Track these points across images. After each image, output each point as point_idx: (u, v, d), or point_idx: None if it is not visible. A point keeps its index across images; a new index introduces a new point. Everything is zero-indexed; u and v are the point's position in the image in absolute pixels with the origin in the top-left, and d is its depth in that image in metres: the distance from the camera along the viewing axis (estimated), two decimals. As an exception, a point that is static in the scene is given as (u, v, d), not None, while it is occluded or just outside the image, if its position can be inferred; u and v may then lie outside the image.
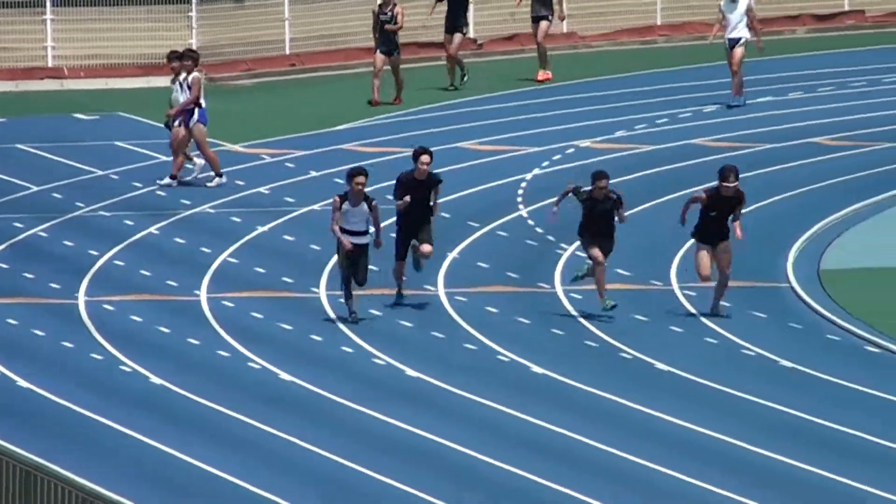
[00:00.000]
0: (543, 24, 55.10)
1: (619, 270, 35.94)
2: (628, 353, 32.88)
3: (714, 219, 31.58)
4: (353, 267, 30.79)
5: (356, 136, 49.73)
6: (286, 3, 59.04)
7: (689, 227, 32.52)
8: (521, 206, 43.17)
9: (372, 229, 30.85)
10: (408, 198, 31.25)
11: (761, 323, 35.94)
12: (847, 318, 35.60)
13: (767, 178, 45.16)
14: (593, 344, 33.11)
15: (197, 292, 34.54)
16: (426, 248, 31.41)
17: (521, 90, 57.08)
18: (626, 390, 30.69)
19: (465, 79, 53.72)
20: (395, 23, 51.11)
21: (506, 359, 30.71)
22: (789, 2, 67.19)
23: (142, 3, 59.81)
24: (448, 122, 52.04)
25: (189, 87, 42.94)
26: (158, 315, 32.09)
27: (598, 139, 49.44)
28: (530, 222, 41.38)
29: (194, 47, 54.86)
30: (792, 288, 37.97)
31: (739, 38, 49.77)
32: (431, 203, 31.85)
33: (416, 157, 31.78)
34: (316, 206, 42.86)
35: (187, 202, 41.90)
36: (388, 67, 52.71)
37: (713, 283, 32.14)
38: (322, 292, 35.80)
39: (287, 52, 59.33)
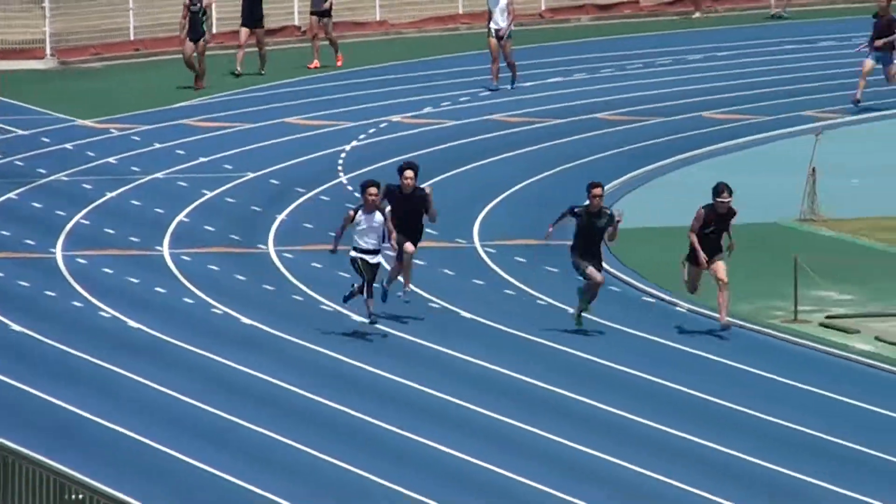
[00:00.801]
0: (325, 19, 56.92)
1: (430, 230, 35.96)
2: (436, 303, 33.30)
3: (711, 235, 30.02)
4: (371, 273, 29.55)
5: (193, 112, 50.10)
6: (131, -7, 59.87)
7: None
8: (341, 174, 43.38)
9: (384, 244, 29.52)
10: (398, 237, 29.82)
11: (555, 276, 36.00)
12: (622, 270, 35.88)
13: (557, 149, 45.70)
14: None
15: (53, 250, 34.63)
16: (409, 246, 29.95)
17: (337, 72, 58.03)
18: (431, 335, 30.97)
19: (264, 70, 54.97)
20: (205, 14, 51.91)
21: (329, 308, 31.05)
22: (575, -8, 69.33)
23: (-3, -8, 60.27)
24: (273, 101, 52.79)
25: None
26: (19, 270, 32.24)
27: (408, 115, 49.88)
28: (349, 188, 41.61)
29: (47, 34, 55.94)
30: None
31: (500, 29, 50.70)
32: (427, 212, 30.64)
33: (400, 172, 30.75)
34: (160, 174, 42.75)
35: (43, 171, 41.95)
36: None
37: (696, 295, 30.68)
38: (165, 250, 35.79)
39: (132, 38, 59.55)
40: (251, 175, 43.78)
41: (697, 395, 29.14)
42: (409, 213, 29.91)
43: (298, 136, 48.77)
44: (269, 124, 49.54)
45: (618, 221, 29.33)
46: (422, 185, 30.58)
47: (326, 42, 55.71)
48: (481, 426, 25.35)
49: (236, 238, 37.53)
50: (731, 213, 29.91)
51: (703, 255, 29.07)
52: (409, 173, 30.02)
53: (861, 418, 28.69)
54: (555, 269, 36.72)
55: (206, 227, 35.09)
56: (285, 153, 45.17)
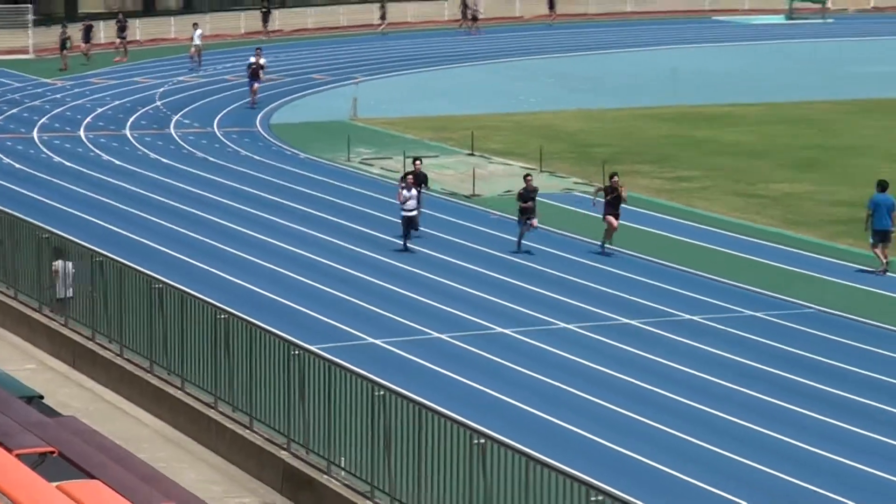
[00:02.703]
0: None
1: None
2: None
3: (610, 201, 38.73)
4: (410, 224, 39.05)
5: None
6: None
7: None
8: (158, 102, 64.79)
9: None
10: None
11: (248, 153, 53.43)
12: (287, 145, 54.34)
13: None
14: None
15: None
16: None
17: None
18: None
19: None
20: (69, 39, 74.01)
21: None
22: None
23: None
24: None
25: None
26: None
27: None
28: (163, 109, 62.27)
29: None
30: (260, 132, 57.46)
31: None
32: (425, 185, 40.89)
33: (413, 162, 42.28)
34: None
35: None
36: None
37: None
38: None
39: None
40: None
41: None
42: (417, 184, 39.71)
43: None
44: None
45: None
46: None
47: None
48: None
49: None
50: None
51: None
52: (417, 163, 41.60)
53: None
54: (247, 150, 55.00)
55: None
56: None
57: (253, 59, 61.68)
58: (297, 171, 50.76)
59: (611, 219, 38.06)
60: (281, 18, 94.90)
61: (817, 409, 27.83)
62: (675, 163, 51.62)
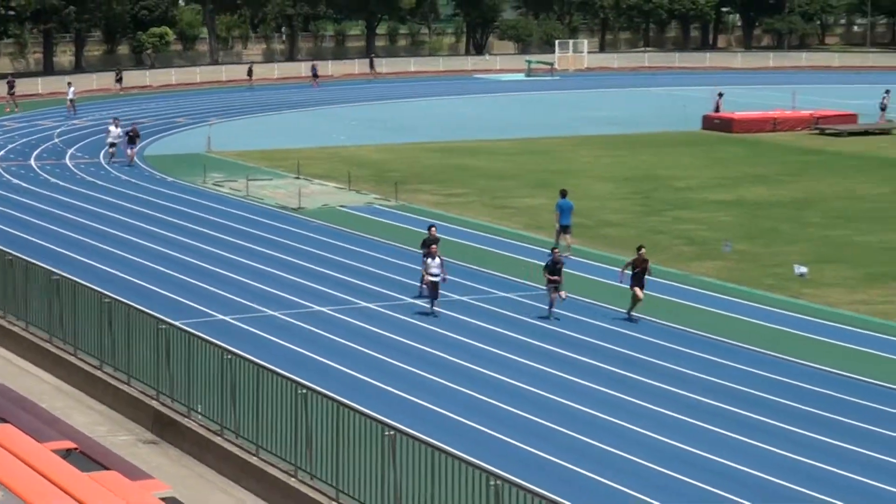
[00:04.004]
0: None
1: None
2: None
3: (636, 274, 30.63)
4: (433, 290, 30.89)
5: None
6: None
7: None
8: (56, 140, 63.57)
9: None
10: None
11: (128, 177, 53.13)
12: (157, 171, 53.89)
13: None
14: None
15: None
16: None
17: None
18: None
19: None
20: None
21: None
22: None
23: None
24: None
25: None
26: None
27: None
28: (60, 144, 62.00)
29: None
30: (136, 162, 55.97)
31: None
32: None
33: (429, 229, 33.32)
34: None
35: None
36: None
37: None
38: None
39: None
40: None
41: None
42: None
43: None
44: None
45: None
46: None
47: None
48: None
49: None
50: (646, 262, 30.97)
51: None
52: (433, 229, 33.15)
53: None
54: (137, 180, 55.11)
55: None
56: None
57: (130, 128, 57.45)
58: (163, 190, 50.42)
59: (637, 290, 30.82)
60: (150, 76, 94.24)
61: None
62: (448, 183, 51.80)
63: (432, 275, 30.69)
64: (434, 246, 30.82)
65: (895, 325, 31.46)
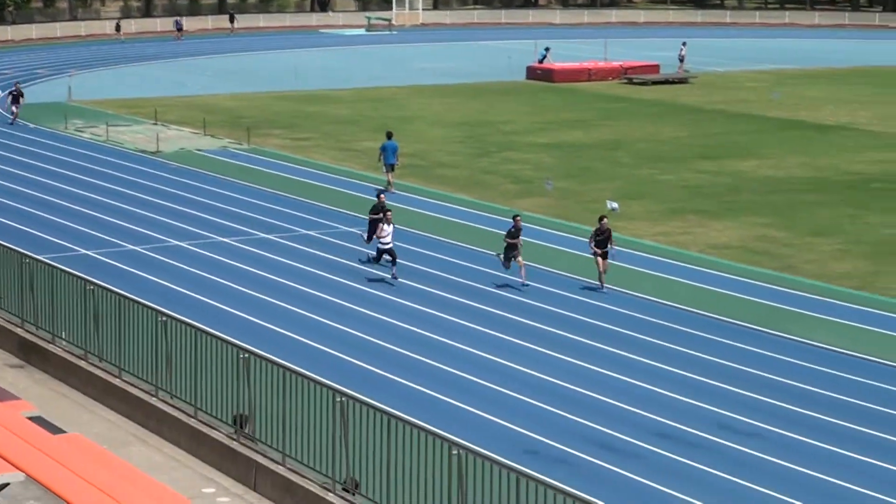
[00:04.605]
0: None
1: None
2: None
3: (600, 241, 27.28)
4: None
5: None
6: None
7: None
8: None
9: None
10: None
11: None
12: (22, 119, 50.60)
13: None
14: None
15: None
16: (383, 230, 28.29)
17: None
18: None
19: None
20: None
21: None
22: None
23: None
24: None
25: None
26: None
27: None
28: None
29: None
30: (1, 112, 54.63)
31: None
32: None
33: (378, 195, 30.79)
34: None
35: None
36: None
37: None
38: None
39: None
40: None
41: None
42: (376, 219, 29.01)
43: None
44: None
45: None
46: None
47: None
48: None
49: None
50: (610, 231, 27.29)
51: None
52: (382, 197, 30.40)
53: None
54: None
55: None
56: None
57: (14, 87, 52.73)
58: (26, 136, 48.73)
59: (600, 260, 27.82)
60: (12, 31, 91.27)
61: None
62: (296, 129, 51.15)
63: (384, 242, 28.05)
64: (389, 213, 28.22)
65: (690, 253, 31.95)
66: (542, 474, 14.56)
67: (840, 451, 19.23)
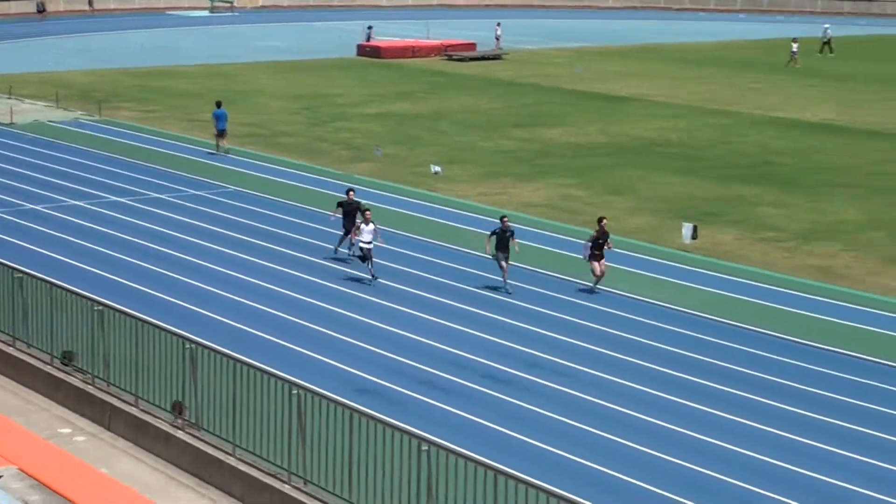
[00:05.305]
0: None
1: None
2: None
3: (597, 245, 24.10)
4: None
5: None
6: None
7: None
8: None
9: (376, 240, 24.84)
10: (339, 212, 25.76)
11: None
12: None
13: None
14: None
15: None
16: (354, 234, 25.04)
17: None
18: None
19: None
20: None
21: None
22: None
23: None
24: None
25: None
26: None
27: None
28: None
29: None
30: None
31: None
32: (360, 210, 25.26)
33: (347, 192, 26.45)
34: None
35: None
36: None
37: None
38: None
39: None
40: None
41: None
42: (351, 213, 25.75)
43: None
44: None
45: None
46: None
47: None
48: None
49: None
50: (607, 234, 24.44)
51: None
52: (351, 194, 26.26)
53: None
54: None
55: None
56: None
57: None
58: None
59: (595, 263, 24.56)
60: None
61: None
62: (145, 101, 49.69)
63: (365, 241, 24.46)
64: (368, 212, 24.73)
65: (502, 210, 32.19)
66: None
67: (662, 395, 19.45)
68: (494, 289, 24.23)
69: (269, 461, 14.00)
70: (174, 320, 20.41)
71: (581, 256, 24.67)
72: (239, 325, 22.11)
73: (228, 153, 37.44)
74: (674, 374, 20.05)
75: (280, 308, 23.33)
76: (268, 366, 16.11)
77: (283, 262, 26.70)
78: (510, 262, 24.07)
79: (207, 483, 14.44)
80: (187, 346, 15.52)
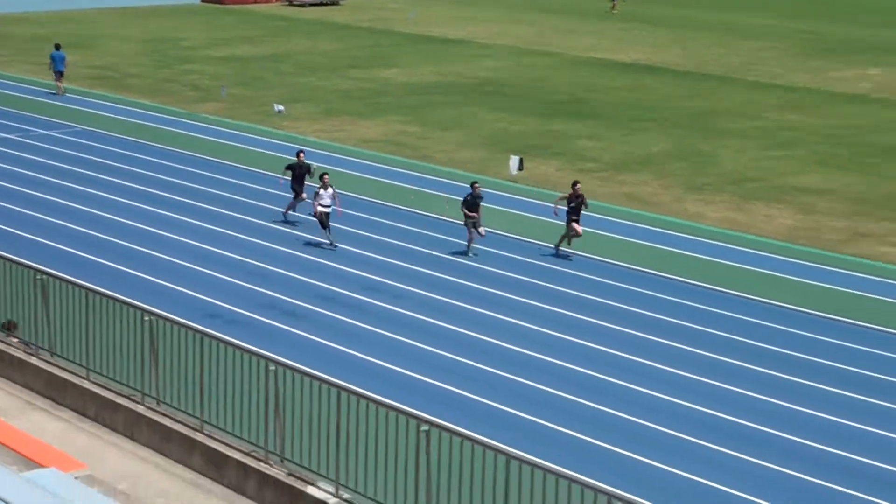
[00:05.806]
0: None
1: None
2: None
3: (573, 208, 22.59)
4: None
5: None
6: None
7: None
8: None
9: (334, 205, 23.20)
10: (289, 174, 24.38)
11: None
12: None
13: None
14: None
15: None
16: (304, 195, 24.21)
17: None
18: None
19: None
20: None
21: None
22: None
23: None
24: None
25: None
26: None
27: None
28: None
29: None
30: None
31: None
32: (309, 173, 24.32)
33: (297, 154, 24.85)
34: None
35: None
36: None
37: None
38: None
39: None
40: None
41: None
42: (301, 175, 24.61)
43: None
44: None
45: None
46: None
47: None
48: None
49: None
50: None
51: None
52: (301, 155, 24.94)
53: None
54: None
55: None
56: None
57: None
58: None
59: (575, 225, 22.88)
60: None
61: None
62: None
63: (324, 206, 22.99)
64: (326, 176, 23.27)
65: (346, 147, 32.07)
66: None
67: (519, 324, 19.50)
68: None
69: (122, 384, 13.73)
70: (26, 253, 19.84)
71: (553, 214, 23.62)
72: (88, 256, 21.72)
73: (66, 93, 36.38)
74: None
75: (128, 239, 22.95)
76: (121, 294, 15.63)
77: (126, 194, 26.24)
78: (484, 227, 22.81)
79: (62, 405, 14.14)
80: (38, 276, 14.88)
